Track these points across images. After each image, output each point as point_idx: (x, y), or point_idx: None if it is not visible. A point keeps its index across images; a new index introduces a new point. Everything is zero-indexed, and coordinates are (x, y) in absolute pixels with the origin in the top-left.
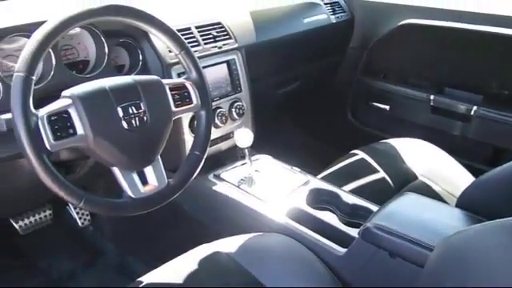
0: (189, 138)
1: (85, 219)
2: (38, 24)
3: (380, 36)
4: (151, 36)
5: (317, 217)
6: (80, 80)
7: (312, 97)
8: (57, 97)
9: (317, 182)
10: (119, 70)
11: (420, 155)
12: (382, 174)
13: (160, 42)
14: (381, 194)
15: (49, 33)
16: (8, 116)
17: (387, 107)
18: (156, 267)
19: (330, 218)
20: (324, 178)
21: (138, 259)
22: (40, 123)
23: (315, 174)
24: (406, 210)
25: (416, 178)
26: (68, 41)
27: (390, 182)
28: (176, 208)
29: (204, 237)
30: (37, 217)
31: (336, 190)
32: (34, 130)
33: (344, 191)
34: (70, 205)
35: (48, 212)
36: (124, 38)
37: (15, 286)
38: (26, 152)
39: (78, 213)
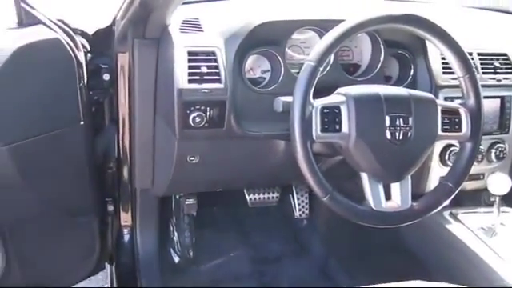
0: (435, 166)
1: (303, 212)
2: (331, 21)
3: None
4: (429, 53)
5: None
6: (349, 81)
7: None
8: (325, 93)
9: None
10: (386, 81)
11: None
12: None
13: (435, 61)
14: None
15: (347, 30)
16: (286, 99)
17: None
18: (360, 283)
19: None
20: None
21: (341, 268)
22: (313, 113)
23: None
24: None
25: None
26: (347, 43)
27: None
28: (397, 233)
29: (416, 271)
30: (266, 195)
31: None
32: (307, 118)
33: None
34: (295, 194)
35: (276, 194)
36: (401, 49)
37: (226, 250)
38: (294, 135)
39: (299, 204)
